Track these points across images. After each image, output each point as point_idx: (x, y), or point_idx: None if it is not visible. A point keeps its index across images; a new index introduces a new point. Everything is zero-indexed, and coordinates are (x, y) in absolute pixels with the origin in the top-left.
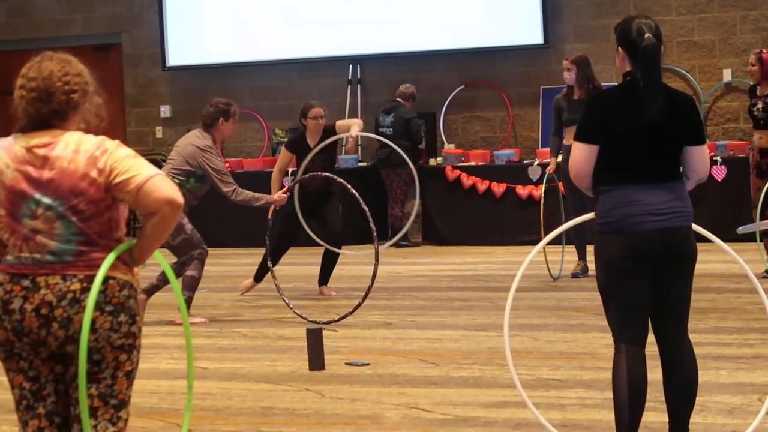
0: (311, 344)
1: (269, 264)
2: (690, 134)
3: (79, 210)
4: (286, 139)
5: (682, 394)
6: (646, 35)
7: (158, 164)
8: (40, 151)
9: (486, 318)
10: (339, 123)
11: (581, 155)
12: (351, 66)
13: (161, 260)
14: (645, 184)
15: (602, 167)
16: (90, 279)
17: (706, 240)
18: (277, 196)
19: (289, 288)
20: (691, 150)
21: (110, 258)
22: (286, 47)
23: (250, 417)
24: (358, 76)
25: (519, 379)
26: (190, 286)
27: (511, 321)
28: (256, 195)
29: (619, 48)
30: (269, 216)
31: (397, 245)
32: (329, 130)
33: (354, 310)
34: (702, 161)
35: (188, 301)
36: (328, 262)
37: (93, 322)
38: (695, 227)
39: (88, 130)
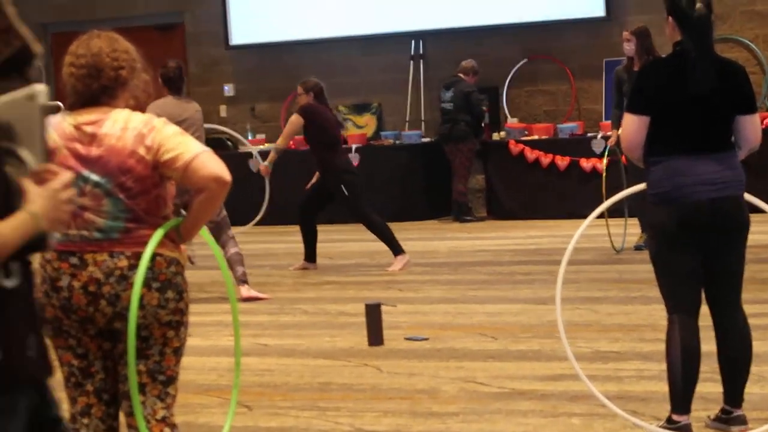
0: (370, 320)
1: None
2: (741, 103)
3: (126, 187)
4: (350, 116)
5: (736, 364)
6: (698, 4)
7: (223, 144)
8: (89, 129)
9: (547, 291)
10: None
11: (632, 126)
12: (413, 41)
13: (208, 238)
14: (696, 155)
15: (653, 138)
16: (137, 256)
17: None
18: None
19: (352, 264)
20: (742, 119)
21: (158, 235)
22: (348, 24)
23: (307, 392)
24: (420, 52)
25: (577, 352)
26: (241, 261)
27: (572, 294)
28: None
29: (669, 17)
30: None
31: (461, 220)
32: (302, 112)
33: None
34: (754, 130)
35: (244, 276)
36: (377, 236)
37: (141, 298)
38: (748, 197)
39: (136, 107)
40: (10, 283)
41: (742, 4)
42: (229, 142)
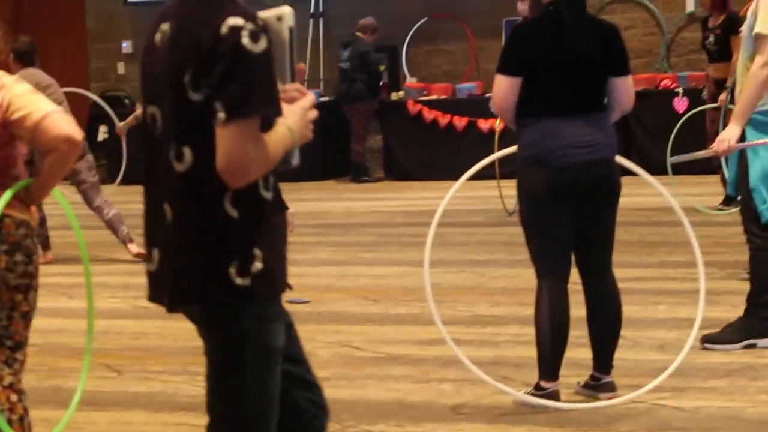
0: None
1: None
2: (614, 65)
3: None
4: None
5: (604, 329)
6: None
7: (121, 101)
8: None
9: (434, 254)
10: None
11: (504, 87)
12: (312, 0)
13: (60, 198)
14: (568, 116)
15: (525, 99)
16: None
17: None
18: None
19: None
20: (616, 81)
21: (6, 196)
22: None
23: (180, 356)
24: (320, 9)
25: (457, 316)
26: (121, 220)
27: (459, 256)
28: None
29: None
30: None
31: (358, 181)
32: None
33: None
34: (626, 92)
35: (129, 234)
36: None
37: None
38: (620, 160)
39: None
40: (269, 194)
41: None
42: (126, 100)
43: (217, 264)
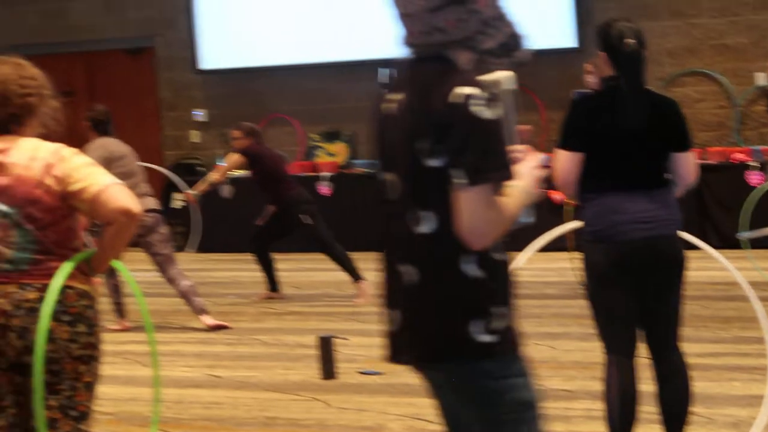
0: (322, 352)
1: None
2: (675, 140)
3: (34, 218)
4: (321, 144)
5: (674, 406)
6: (628, 39)
7: (195, 169)
8: None
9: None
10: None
11: (565, 163)
12: (388, 70)
13: (122, 269)
14: (630, 192)
15: (586, 174)
16: (47, 288)
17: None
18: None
19: (318, 294)
20: (677, 156)
21: (66, 267)
22: (322, 50)
23: (252, 427)
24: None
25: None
26: (195, 292)
27: (533, 329)
28: None
29: (600, 52)
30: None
31: None
32: (245, 152)
33: None
34: (687, 167)
35: (203, 305)
36: (338, 264)
37: (51, 332)
38: (684, 235)
39: (48, 136)
40: (502, 254)
41: (711, 38)
42: (200, 168)
43: (461, 323)
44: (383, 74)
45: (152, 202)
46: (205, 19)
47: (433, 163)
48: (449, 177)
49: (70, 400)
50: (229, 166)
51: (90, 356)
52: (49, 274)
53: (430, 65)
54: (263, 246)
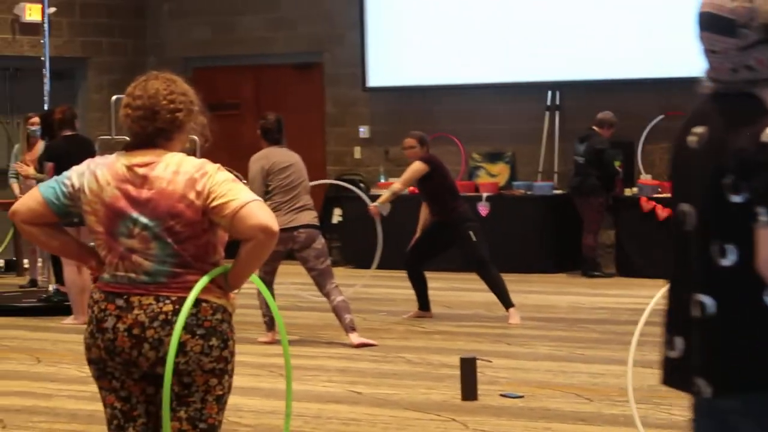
0: (464, 373)
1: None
2: None
3: (175, 231)
4: (483, 164)
5: None
6: None
7: (356, 185)
8: (141, 170)
9: (656, 355)
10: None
11: None
12: (550, 92)
13: (259, 284)
14: None
15: None
16: (182, 301)
17: None
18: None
19: (468, 314)
20: None
21: (203, 281)
22: (485, 71)
23: None
24: (557, 102)
25: (673, 420)
26: (348, 309)
27: None
28: None
29: None
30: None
31: (589, 275)
32: (427, 161)
33: None
34: None
35: (353, 323)
36: (491, 288)
37: (183, 344)
38: None
39: (192, 152)
40: None
41: None
42: (361, 184)
43: (761, 354)
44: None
45: (308, 217)
46: (373, 37)
47: (736, 198)
48: (754, 214)
49: (200, 412)
50: (411, 175)
51: (222, 370)
52: (186, 288)
53: (736, 102)
54: (418, 264)
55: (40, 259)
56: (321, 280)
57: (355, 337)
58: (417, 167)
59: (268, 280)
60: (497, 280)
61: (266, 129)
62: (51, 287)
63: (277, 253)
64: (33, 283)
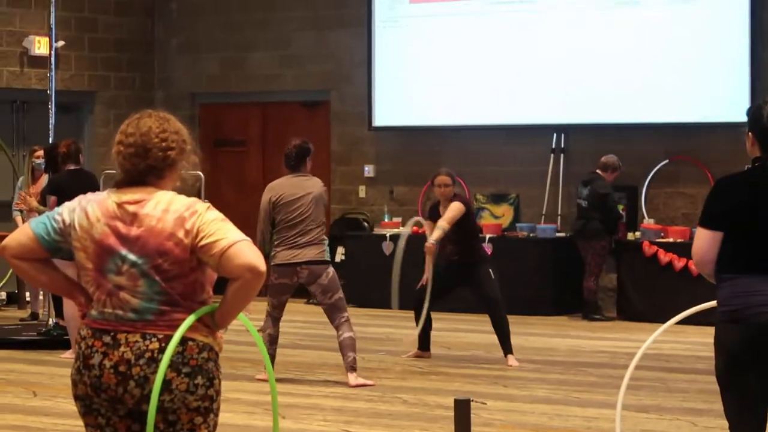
0: (458, 415)
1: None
2: None
3: (163, 269)
4: (487, 206)
5: None
6: None
7: (360, 224)
8: (131, 208)
9: (652, 399)
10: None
11: (704, 241)
12: (555, 134)
13: (247, 323)
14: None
15: (725, 254)
16: (169, 339)
17: None
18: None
19: (467, 356)
20: None
21: (189, 320)
22: (491, 113)
23: None
24: (562, 145)
25: None
26: (353, 347)
27: (677, 404)
28: None
29: (749, 132)
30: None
31: (589, 318)
32: (465, 202)
33: None
34: None
35: (354, 363)
36: (497, 330)
37: (169, 382)
38: None
39: (183, 190)
40: None
41: None
42: (365, 223)
43: None
44: None
45: (312, 253)
46: (380, 76)
47: None
48: None
49: None
50: (455, 215)
51: (207, 408)
52: (173, 326)
53: None
54: (426, 303)
55: (41, 293)
56: (330, 313)
57: (353, 378)
58: (459, 207)
59: (276, 315)
60: (505, 323)
61: (285, 155)
62: (51, 321)
63: (284, 286)
64: (34, 316)
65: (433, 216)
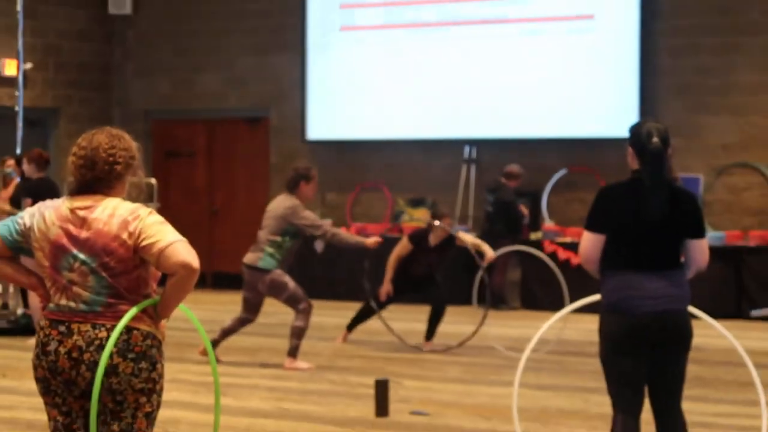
0: (378, 393)
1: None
2: (690, 229)
3: (109, 267)
4: (406, 209)
5: None
6: (654, 139)
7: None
8: (81, 213)
9: (550, 379)
10: (461, 235)
11: (589, 242)
12: (467, 147)
13: (189, 314)
14: (645, 271)
15: (608, 254)
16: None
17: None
18: (371, 240)
19: (388, 341)
20: (691, 243)
21: (132, 311)
22: (412, 128)
23: None
24: (473, 157)
25: None
26: (297, 335)
27: (573, 383)
28: (351, 236)
29: (630, 147)
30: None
31: (496, 308)
32: (451, 237)
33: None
34: (701, 253)
35: (296, 348)
36: (434, 320)
37: (116, 366)
38: (691, 309)
39: (149, 194)
40: None
41: (762, 135)
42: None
43: None
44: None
45: (251, 258)
46: (313, 96)
47: None
48: None
49: (131, 426)
50: (398, 252)
51: (150, 389)
52: (119, 316)
53: None
54: (384, 302)
55: (11, 286)
56: (289, 306)
57: (288, 362)
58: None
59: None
60: (439, 315)
61: (288, 179)
62: (19, 311)
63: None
64: (5, 306)
65: (418, 243)
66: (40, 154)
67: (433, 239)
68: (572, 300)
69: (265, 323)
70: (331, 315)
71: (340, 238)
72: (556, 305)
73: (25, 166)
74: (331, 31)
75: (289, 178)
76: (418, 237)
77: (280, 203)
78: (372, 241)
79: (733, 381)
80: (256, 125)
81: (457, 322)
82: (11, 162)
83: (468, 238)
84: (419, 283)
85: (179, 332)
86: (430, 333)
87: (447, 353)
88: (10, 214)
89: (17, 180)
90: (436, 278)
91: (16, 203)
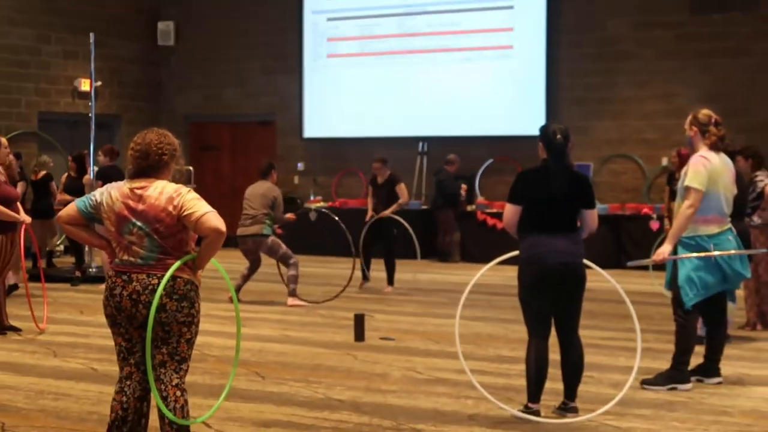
0: (356, 323)
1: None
2: (584, 201)
3: (159, 231)
4: None
5: (571, 372)
6: (558, 136)
7: (294, 200)
8: (138, 191)
9: (481, 312)
10: (399, 187)
11: (510, 212)
12: (420, 143)
13: (219, 267)
14: (552, 233)
15: (524, 220)
16: (164, 277)
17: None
18: (291, 215)
19: (365, 287)
20: (585, 212)
21: (176, 264)
22: (381, 128)
23: (303, 370)
24: (425, 150)
25: (486, 354)
26: (293, 281)
27: (499, 315)
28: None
29: (540, 143)
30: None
31: (443, 261)
32: (394, 178)
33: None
34: (592, 220)
35: (293, 291)
36: (389, 268)
37: (164, 305)
38: (586, 262)
39: (188, 178)
40: None
41: (635, 134)
42: (298, 200)
43: None
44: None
45: (253, 229)
46: (308, 105)
47: None
48: None
49: (176, 349)
50: (407, 192)
51: (190, 322)
52: (167, 268)
53: None
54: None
55: (86, 247)
56: (282, 262)
57: (290, 300)
58: (405, 188)
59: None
60: (394, 262)
61: (258, 168)
62: (93, 265)
63: (244, 252)
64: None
65: (372, 184)
66: (112, 148)
67: (379, 178)
68: (495, 256)
69: (268, 272)
70: (318, 267)
71: (281, 217)
72: (487, 259)
73: (100, 157)
74: (320, 58)
75: (263, 168)
76: (372, 179)
77: (261, 186)
78: (291, 215)
79: (616, 314)
80: (266, 127)
81: (407, 270)
82: (72, 164)
83: (401, 191)
84: (380, 228)
85: (211, 280)
86: (390, 279)
87: (406, 294)
88: (68, 202)
89: (66, 174)
90: (391, 232)
91: (69, 191)
